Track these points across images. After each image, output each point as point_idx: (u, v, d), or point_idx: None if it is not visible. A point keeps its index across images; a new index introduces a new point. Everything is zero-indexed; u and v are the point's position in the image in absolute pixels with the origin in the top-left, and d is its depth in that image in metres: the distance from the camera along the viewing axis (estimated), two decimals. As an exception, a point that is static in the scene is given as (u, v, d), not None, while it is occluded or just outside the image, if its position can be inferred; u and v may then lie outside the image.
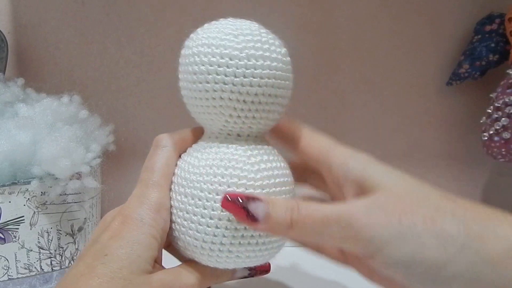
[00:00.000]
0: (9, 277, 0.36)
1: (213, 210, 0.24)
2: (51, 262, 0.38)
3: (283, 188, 0.26)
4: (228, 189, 0.24)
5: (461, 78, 0.49)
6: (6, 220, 0.35)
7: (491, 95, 0.44)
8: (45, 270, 0.37)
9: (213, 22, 0.26)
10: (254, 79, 0.24)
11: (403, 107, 0.52)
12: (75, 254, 0.39)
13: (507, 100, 0.41)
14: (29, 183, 0.36)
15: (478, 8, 0.49)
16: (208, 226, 0.24)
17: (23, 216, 0.36)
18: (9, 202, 0.35)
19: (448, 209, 0.20)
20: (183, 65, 0.26)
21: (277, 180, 0.25)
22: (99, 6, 0.50)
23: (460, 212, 0.20)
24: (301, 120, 0.54)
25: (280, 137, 0.28)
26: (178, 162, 0.28)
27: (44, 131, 0.37)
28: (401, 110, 0.52)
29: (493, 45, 0.46)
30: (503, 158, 0.43)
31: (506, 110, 0.41)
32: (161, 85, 0.52)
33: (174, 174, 0.27)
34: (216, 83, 0.24)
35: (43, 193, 0.36)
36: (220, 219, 0.24)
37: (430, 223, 0.20)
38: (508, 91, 0.42)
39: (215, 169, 0.25)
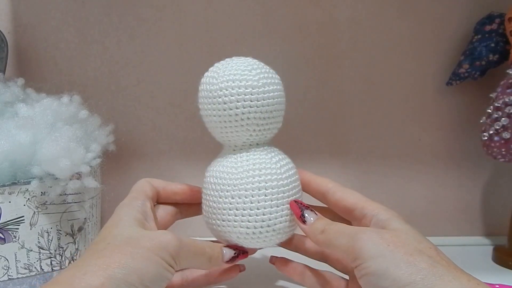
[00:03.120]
0: (9, 277, 0.36)
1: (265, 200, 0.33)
2: (51, 262, 0.38)
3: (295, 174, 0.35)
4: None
5: (461, 78, 0.49)
6: (6, 220, 0.35)
7: (491, 95, 0.44)
8: (45, 270, 0.37)
9: (225, 61, 0.34)
10: (269, 101, 0.33)
11: (403, 107, 0.52)
12: (75, 254, 0.39)
13: (507, 100, 0.41)
14: (29, 183, 0.36)
15: (478, 8, 0.49)
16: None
17: (23, 216, 0.36)
18: (9, 202, 0.35)
19: (426, 255, 0.26)
20: (211, 98, 0.33)
21: (293, 170, 0.35)
22: (99, 6, 0.50)
23: (435, 260, 0.26)
24: (301, 120, 0.54)
25: (313, 192, 0.36)
26: (210, 173, 0.35)
27: (44, 131, 0.37)
28: (401, 110, 0.52)
29: (493, 45, 0.46)
30: (503, 158, 0.43)
31: (506, 110, 0.41)
32: (161, 85, 0.52)
33: (208, 183, 0.35)
34: (244, 107, 0.32)
35: (43, 193, 0.36)
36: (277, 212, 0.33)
37: (408, 255, 0.26)
38: (508, 91, 0.42)
39: (252, 172, 0.33)
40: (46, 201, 0.37)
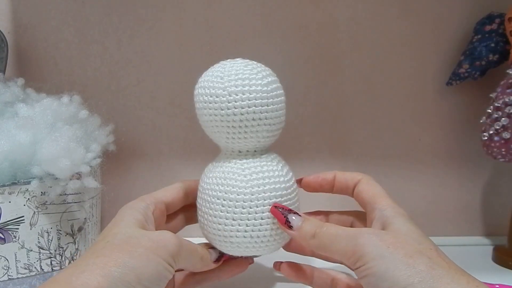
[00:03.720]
0: (9, 277, 0.36)
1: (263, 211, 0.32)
2: (51, 262, 0.38)
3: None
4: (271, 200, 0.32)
5: (461, 78, 0.49)
6: (6, 220, 0.35)
7: (491, 95, 0.44)
8: (45, 270, 0.37)
9: (225, 64, 0.33)
10: (277, 106, 0.32)
11: (403, 107, 0.52)
12: (75, 254, 0.39)
13: (507, 100, 0.41)
14: (29, 183, 0.36)
15: (478, 8, 0.49)
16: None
17: (23, 216, 0.36)
18: (9, 202, 0.35)
19: (426, 256, 0.26)
20: (217, 103, 0.31)
21: (293, 178, 0.35)
22: (99, 6, 0.50)
23: (435, 262, 0.26)
24: (301, 120, 0.54)
25: (341, 187, 0.36)
26: (207, 176, 0.34)
27: (44, 131, 0.37)
28: (401, 110, 0.52)
29: (493, 45, 0.46)
30: (503, 158, 0.43)
31: (506, 110, 0.41)
32: (161, 85, 0.52)
33: (206, 183, 0.34)
34: (255, 113, 0.31)
35: (43, 193, 0.36)
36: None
37: (407, 256, 0.26)
38: (508, 91, 0.42)
39: (262, 180, 0.32)
40: (46, 201, 0.37)
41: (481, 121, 0.45)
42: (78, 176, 0.37)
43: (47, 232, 0.37)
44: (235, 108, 0.31)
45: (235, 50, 0.51)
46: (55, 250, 0.38)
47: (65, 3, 0.50)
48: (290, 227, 0.31)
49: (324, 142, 0.53)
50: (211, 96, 0.32)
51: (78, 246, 0.39)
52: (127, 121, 0.52)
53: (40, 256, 0.37)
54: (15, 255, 0.36)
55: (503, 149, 0.42)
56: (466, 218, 0.54)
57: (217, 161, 0.35)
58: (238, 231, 0.32)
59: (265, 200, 0.32)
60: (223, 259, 0.34)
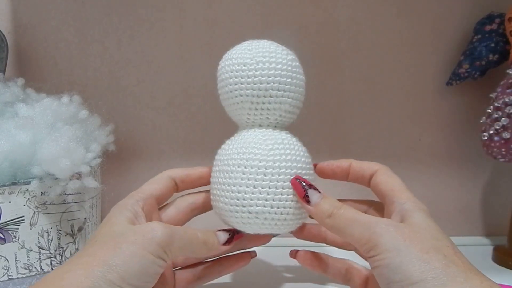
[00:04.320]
0: (9, 277, 0.36)
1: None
2: (51, 262, 0.38)
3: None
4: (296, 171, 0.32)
5: (461, 78, 0.49)
6: (6, 220, 0.35)
7: (491, 95, 0.44)
8: (45, 270, 0.37)
9: (251, 41, 0.35)
10: (299, 82, 0.33)
11: (403, 107, 0.52)
12: (75, 254, 0.39)
13: (507, 100, 0.41)
14: (29, 183, 0.36)
15: (478, 8, 0.49)
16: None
17: (23, 216, 0.36)
18: (9, 202, 0.35)
19: (442, 253, 0.26)
20: (244, 76, 0.32)
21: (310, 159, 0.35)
22: (99, 6, 0.50)
23: (451, 260, 0.25)
24: (301, 120, 0.54)
25: (357, 176, 0.35)
26: (224, 149, 0.33)
27: (44, 131, 0.37)
28: (401, 110, 0.52)
29: (493, 45, 0.46)
30: (503, 158, 0.43)
31: (506, 110, 0.41)
32: (161, 85, 0.52)
33: (224, 154, 0.33)
34: (280, 84, 0.32)
35: (43, 193, 0.36)
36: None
37: (423, 252, 0.25)
38: (508, 91, 0.42)
39: (278, 150, 0.32)
40: (46, 201, 0.37)
41: (481, 121, 0.45)
42: (78, 176, 0.37)
43: (47, 232, 0.37)
44: (262, 77, 0.31)
45: (235, 50, 0.51)
46: (55, 250, 0.38)
47: (65, 3, 0.50)
48: (308, 201, 0.30)
49: (324, 142, 0.53)
50: (238, 66, 0.32)
51: (78, 246, 0.39)
52: (127, 121, 0.52)
53: (40, 256, 0.37)
54: (15, 255, 0.36)
55: (503, 149, 0.42)
56: (466, 218, 0.54)
57: (235, 136, 0.34)
58: (258, 199, 0.30)
59: (286, 169, 0.31)
60: (234, 240, 0.32)
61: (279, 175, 0.31)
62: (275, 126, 0.34)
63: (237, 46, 0.34)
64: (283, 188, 0.31)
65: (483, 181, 0.54)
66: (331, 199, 0.30)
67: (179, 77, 0.51)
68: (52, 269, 0.38)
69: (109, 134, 0.43)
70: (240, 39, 0.52)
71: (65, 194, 0.37)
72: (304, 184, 0.31)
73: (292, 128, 0.51)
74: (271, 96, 0.32)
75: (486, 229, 0.54)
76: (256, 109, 0.32)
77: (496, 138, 0.42)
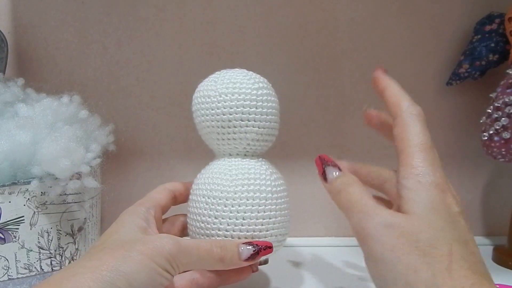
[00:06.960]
0: (9, 277, 0.36)
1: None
2: (51, 262, 0.38)
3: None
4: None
5: (461, 78, 0.49)
6: (6, 220, 0.35)
7: (491, 95, 0.44)
8: (45, 270, 0.37)
9: (221, 72, 0.34)
10: (267, 110, 0.33)
11: (403, 107, 0.52)
12: (75, 254, 0.39)
13: (507, 100, 0.41)
14: (29, 183, 0.36)
15: (478, 8, 0.49)
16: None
17: (23, 216, 0.36)
18: (9, 202, 0.35)
19: (432, 270, 0.23)
20: (209, 103, 0.33)
21: (284, 186, 0.35)
22: (99, 6, 0.50)
23: (439, 279, 0.23)
24: (301, 120, 0.54)
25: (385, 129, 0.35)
26: (197, 178, 0.35)
27: (44, 131, 0.37)
28: (401, 110, 0.52)
29: (493, 45, 0.46)
30: (503, 158, 0.43)
31: (506, 110, 0.41)
32: (161, 85, 0.52)
33: (196, 184, 0.35)
34: (243, 114, 0.33)
35: (43, 193, 0.36)
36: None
37: (409, 269, 0.23)
38: (508, 91, 0.42)
39: (247, 180, 0.33)
40: (46, 201, 0.37)
41: (481, 121, 0.45)
42: (78, 176, 0.37)
43: (47, 232, 0.37)
44: (224, 108, 0.32)
45: (235, 50, 0.51)
46: (55, 250, 0.38)
47: (65, 3, 0.50)
48: (325, 179, 0.30)
49: (324, 142, 0.53)
50: (203, 98, 0.33)
51: (78, 246, 0.39)
52: (127, 121, 0.52)
53: (40, 256, 0.37)
54: (15, 255, 0.36)
55: (503, 149, 0.42)
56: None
57: (208, 165, 0.35)
58: (219, 230, 0.32)
59: (248, 200, 0.32)
60: (258, 256, 0.31)
61: (239, 206, 0.32)
62: (245, 155, 0.34)
63: (209, 76, 0.35)
64: (243, 219, 0.31)
65: (483, 181, 0.54)
66: (346, 176, 0.30)
67: (179, 77, 0.51)
68: (52, 269, 0.38)
69: (109, 134, 0.43)
70: (240, 39, 0.52)
71: (65, 194, 0.37)
72: (325, 161, 0.31)
73: (292, 128, 0.52)
74: (235, 127, 0.33)
75: (486, 229, 0.54)
76: (223, 139, 0.34)
77: (496, 138, 0.42)
